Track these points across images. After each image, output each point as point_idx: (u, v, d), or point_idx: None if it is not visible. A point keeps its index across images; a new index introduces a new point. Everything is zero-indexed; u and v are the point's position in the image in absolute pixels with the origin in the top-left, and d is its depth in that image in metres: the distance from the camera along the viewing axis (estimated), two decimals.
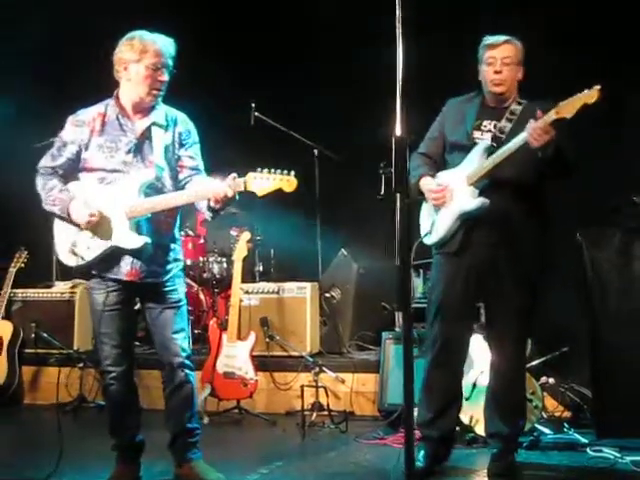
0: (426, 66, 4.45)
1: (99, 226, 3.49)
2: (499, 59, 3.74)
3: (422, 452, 3.84)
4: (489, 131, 3.80)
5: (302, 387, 4.99)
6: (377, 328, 5.53)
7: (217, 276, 6.36)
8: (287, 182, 3.38)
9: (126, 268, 3.54)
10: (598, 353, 4.32)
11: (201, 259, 6.48)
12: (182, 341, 3.68)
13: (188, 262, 6.42)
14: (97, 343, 3.66)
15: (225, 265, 6.36)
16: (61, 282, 6.32)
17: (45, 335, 5.87)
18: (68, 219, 3.52)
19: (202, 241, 6.63)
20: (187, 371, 3.69)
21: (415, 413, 3.85)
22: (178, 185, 3.66)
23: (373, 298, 5.95)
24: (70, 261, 3.59)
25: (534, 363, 4.71)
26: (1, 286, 5.93)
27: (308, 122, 6.38)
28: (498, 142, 3.71)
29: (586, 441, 4.27)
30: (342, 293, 5.87)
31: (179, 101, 6.36)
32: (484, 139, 3.78)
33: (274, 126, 6.30)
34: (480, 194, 3.72)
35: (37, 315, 6.04)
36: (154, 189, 3.56)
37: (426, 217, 3.96)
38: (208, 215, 3.58)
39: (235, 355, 5.15)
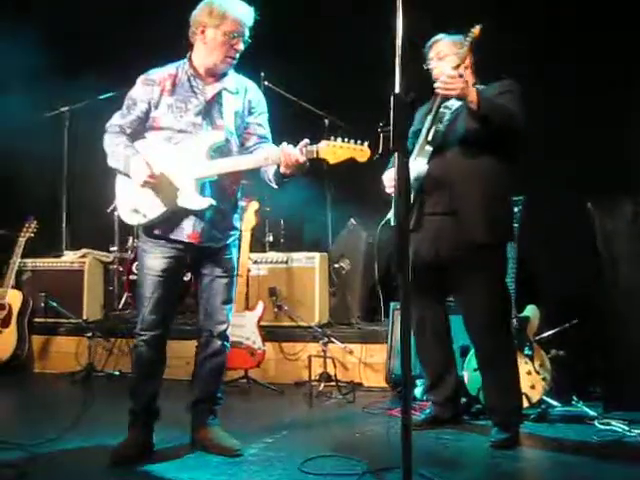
0: None
1: (161, 187, 3.47)
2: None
3: (428, 410, 4.17)
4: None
5: (309, 357, 4.97)
6: (386, 298, 5.47)
7: None
8: (360, 152, 3.34)
9: (188, 229, 3.51)
10: (609, 324, 4.28)
11: None
12: (228, 311, 3.71)
13: None
14: (137, 303, 3.66)
15: None
16: (70, 252, 6.32)
17: (54, 305, 5.87)
18: (128, 175, 3.50)
19: None
20: (225, 342, 3.75)
21: None
22: (245, 152, 3.63)
23: (382, 268, 5.89)
24: (132, 219, 3.57)
25: (544, 335, 4.65)
26: (11, 255, 5.93)
27: (317, 92, 6.31)
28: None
29: (594, 414, 4.24)
30: (351, 263, 5.82)
31: None
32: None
33: (283, 96, 6.23)
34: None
35: (46, 285, 6.04)
36: (221, 153, 3.52)
37: None
38: (275, 182, 3.56)
39: (243, 324, 5.12)
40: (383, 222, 4.12)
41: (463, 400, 4.35)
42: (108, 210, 6.34)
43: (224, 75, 3.61)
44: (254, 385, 5.17)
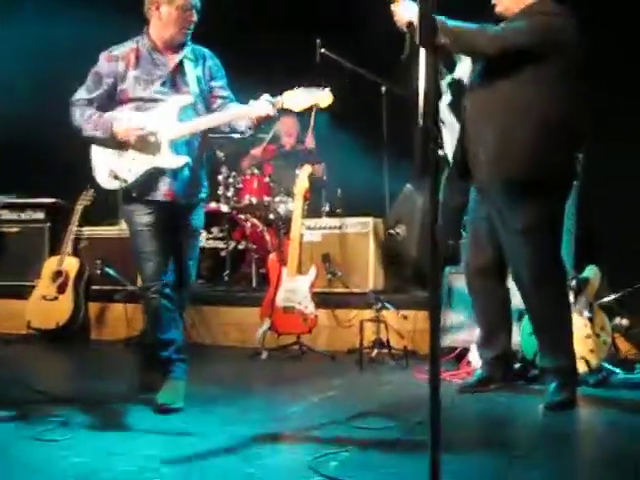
0: None
1: (146, 144, 3.61)
2: None
3: (479, 372, 4.03)
4: None
5: (361, 322, 4.86)
6: (443, 265, 5.31)
7: (283, 216, 6.27)
8: (322, 97, 3.55)
9: (164, 188, 3.66)
10: None
11: (266, 199, 6.38)
12: (193, 267, 3.88)
13: (253, 201, 6.37)
14: (138, 263, 3.72)
15: (291, 205, 6.25)
16: None
17: (111, 272, 5.90)
18: (112, 141, 3.62)
19: (267, 180, 6.53)
20: (186, 295, 3.92)
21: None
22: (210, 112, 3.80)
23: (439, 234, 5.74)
24: (112, 185, 3.71)
25: (604, 300, 4.44)
26: (68, 224, 5.98)
27: (374, 59, 6.18)
28: None
29: None
30: (407, 229, 5.68)
31: (244, 38, 6.31)
32: None
33: (340, 63, 6.12)
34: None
35: (103, 252, 6.07)
36: (189, 115, 3.68)
37: None
38: (247, 133, 3.77)
39: (295, 289, 5.05)
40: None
41: (518, 365, 4.20)
42: None
43: (182, 46, 3.74)
44: (306, 351, 5.09)
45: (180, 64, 3.72)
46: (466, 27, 3.55)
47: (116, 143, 3.62)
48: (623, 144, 4.98)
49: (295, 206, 5.26)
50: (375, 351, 4.90)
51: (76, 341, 5.72)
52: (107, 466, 2.75)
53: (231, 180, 6.46)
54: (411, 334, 5.16)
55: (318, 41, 6.12)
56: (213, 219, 6.26)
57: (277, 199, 6.32)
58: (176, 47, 3.74)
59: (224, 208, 6.31)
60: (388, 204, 6.01)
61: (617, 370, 4.22)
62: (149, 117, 3.63)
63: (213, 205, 6.41)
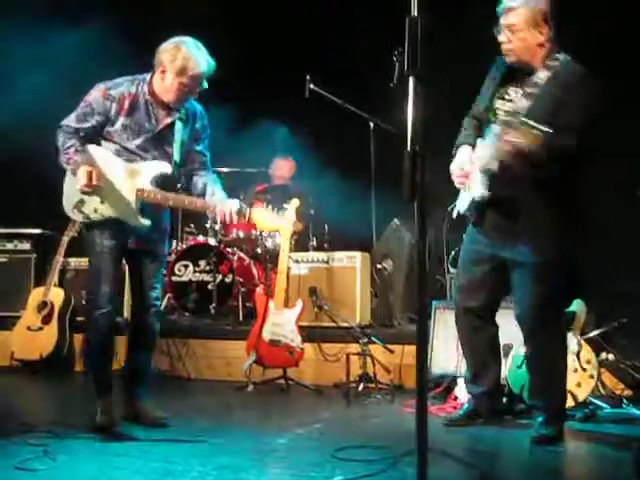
0: None
1: (105, 195, 3.69)
2: (504, 27, 3.56)
3: (466, 406, 4.01)
4: (511, 100, 3.60)
5: (348, 356, 4.84)
6: (429, 300, 5.32)
7: (270, 250, 6.27)
8: (285, 225, 3.97)
9: (131, 238, 3.80)
10: None
11: (254, 232, 6.39)
12: (158, 291, 3.94)
13: (241, 234, 6.38)
14: (92, 284, 3.77)
15: (278, 240, 6.25)
16: None
17: None
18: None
19: None
20: (156, 318, 3.96)
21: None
22: (185, 175, 3.94)
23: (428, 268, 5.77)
24: (74, 216, 3.82)
25: (590, 335, 4.46)
26: (54, 255, 5.94)
27: (362, 95, 6.25)
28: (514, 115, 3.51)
29: None
30: (394, 264, 5.69)
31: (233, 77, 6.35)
32: (505, 109, 3.60)
33: (329, 99, 6.18)
34: (490, 180, 3.55)
35: None
36: (165, 181, 3.76)
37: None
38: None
39: (282, 323, 5.03)
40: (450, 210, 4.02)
41: (505, 400, 4.19)
42: None
43: (180, 107, 3.81)
44: (293, 385, 5.06)
45: (172, 124, 3.78)
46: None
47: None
48: (608, 179, 5.03)
49: (283, 239, 5.24)
50: (362, 385, 4.87)
51: (60, 372, 5.64)
52: None
53: None
54: (398, 368, 5.14)
55: (308, 77, 6.17)
56: (201, 252, 6.27)
57: (265, 233, 6.32)
58: (173, 107, 3.79)
59: (212, 241, 6.32)
60: (375, 239, 6.01)
61: (604, 405, 4.22)
62: (125, 170, 3.70)
63: (201, 239, 6.42)
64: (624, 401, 4.32)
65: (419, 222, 2.04)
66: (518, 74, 3.62)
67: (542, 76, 3.52)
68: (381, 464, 3.13)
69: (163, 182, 3.74)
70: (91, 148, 3.71)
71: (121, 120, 3.70)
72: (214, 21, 6.55)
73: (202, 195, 3.83)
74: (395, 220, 5.80)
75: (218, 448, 3.44)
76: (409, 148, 1.98)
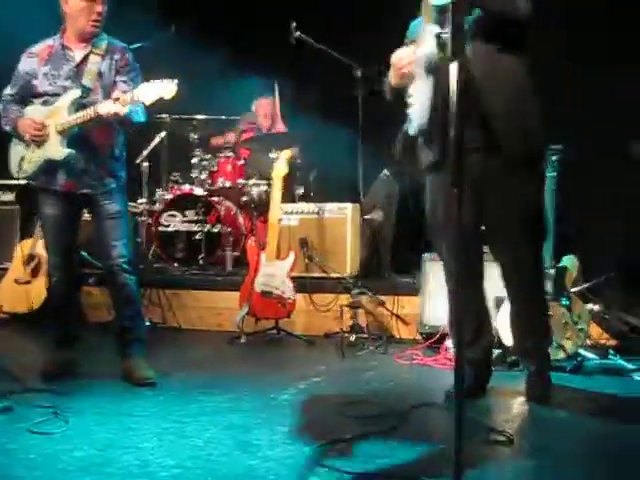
0: None
1: (42, 138, 3.87)
2: None
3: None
4: None
5: (341, 307, 4.92)
6: (419, 249, 5.36)
7: (256, 199, 6.29)
8: (166, 90, 3.70)
9: (61, 179, 3.90)
10: None
11: (240, 181, 6.40)
12: (121, 247, 3.96)
13: (227, 184, 6.39)
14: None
15: (265, 188, 6.27)
16: None
17: (84, 255, 5.84)
18: (19, 136, 3.94)
19: (241, 162, 6.53)
20: (126, 275, 3.98)
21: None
22: None
23: (414, 220, 5.80)
24: (19, 175, 4.00)
25: (578, 288, 4.55)
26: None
27: (347, 41, 6.18)
28: None
29: (633, 367, 4.17)
30: (384, 215, 5.73)
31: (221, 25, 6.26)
32: None
33: (315, 46, 6.11)
34: None
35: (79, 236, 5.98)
36: (84, 105, 3.83)
37: None
38: (134, 124, 3.92)
39: (273, 274, 5.08)
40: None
41: (497, 351, 4.28)
42: (137, 162, 6.32)
43: (94, 38, 3.94)
44: (284, 336, 5.14)
45: (86, 57, 3.92)
46: None
47: (21, 137, 3.93)
48: (598, 136, 5.09)
49: (274, 190, 5.25)
50: (354, 336, 4.96)
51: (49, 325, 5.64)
52: (110, 460, 2.76)
53: (205, 163, 6.47)
54: (387, 319, 5.24)
55: (293, 24, 6.09)
56: (187, 202, 6.26)
57: (251, 182, 6.33)
58: (88, 40, 3.93)
59: (198, 191, 6.31)
60: (362, 189, 6.02)
61: (592, 356, 4.34)
62: (46, 111, 3.88)
63: (186, 187, 6.40)
64: (610, 351, 4.45)
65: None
66: None
67: None
68: (391, 419, 3.20)
69: (82, 108, 3.83)
70: (27, 108, 3.95)
71: (42, 70, 3.92)
72: None
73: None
74: (385, 171, 5.80)
75: (225, 406, 3.50)
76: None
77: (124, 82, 3.93)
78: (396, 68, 3.43)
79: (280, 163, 5.29)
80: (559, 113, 4.14)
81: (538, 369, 3.71)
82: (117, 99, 3.70)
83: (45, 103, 3.92)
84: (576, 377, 4.10)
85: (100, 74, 3.92)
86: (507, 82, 3.39)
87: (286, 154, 5.34)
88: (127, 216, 4.12)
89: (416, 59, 3.35)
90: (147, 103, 3.74)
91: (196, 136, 6.53)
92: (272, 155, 5.84)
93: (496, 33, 3.33)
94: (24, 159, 3.95)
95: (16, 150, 4.01)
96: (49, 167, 3.89)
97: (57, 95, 3.89)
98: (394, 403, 3.49)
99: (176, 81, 3.72)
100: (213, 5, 7.16)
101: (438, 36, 3.20)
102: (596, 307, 4.70)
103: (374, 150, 6.01)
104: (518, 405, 3.63)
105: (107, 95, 3.85)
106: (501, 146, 3.35)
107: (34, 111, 3.92)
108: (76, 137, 3.86)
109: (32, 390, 3.64)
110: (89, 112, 3.77)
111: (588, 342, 4.52)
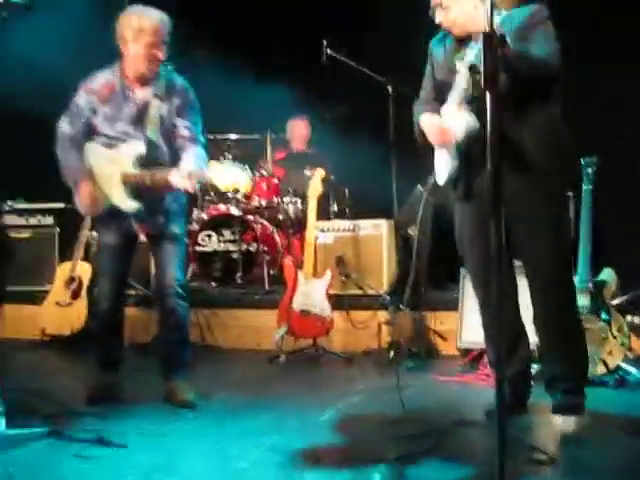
0: None
1: (99, 188, 3.83)
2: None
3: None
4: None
5: (379, 325, 4.93)
6: (457, 265, 5.33)
7: (292, 217, 6.34)
8: (242, 181, 3.76)
9: (128, 223, 3.90)
10: None
11: (275, 200, 6.45)
12: (176, 271, 3.97)
13: (263, 203, 6.44)
14: (98, 279, 4.18)
15: (300, 206, 6.32)
16: None
17: None
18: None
19: (276, 181, 6.57)
20: (178, 300, 3.98)
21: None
22: (173, 151, 3.88)
23: (451, 234, 5.77)
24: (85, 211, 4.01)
25: (617, 301, 4.50)
26: (81, 229, 5.96)
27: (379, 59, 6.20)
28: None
29: None
30: (420, 230, 5.70)
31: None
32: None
33: (347, 64, 6.14)
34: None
35: None
36: (146, 159, 3.79)
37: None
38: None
39: (311, 293, 5.10)
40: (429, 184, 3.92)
41: (537, 366, 4.21)
42: None
43: (154, 78, 3.85)
44: (323, 353, 5.15)
45: (147, 102, 3.83)
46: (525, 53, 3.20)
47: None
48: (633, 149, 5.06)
49: (309, 209, 5.28)
50: (392, 353, 4.96)
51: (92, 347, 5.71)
52: None
53: None
54: (426, 335, 5.23)
55: (324, 42, 6.12)
56: (224, 222, 6.31)
57: (286, 200, 6.37)
58: (148, 80, 3.84)
59: (234, 210, 6.35)
60: (396, 205, 6.01)
61: (633, 370, 4.29)
62: (110, 158, 3.80)
63: (222, 207, 6.46)
64: None
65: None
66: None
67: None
68: (431, 438, 3.21)
69: (145, 162, 3.78)
70: (86, 148, 3.85)
71: (102, 109, 3.82)
72: None
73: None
74: (419, 186, 5.80)
75: (267, 427, 3.52)
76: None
77: (185, 127, 3.86)
78: (429, 135, 3.47)
79: (315, 182, 5.32)
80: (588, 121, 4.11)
81: (571, 389, 3.50)
82: (190, 174, 3.57)
83: (107, 145, 3.83)
84: (619, 392, 4.06)
85: (161, 119, 3.84)
86: (537, 116, 3.36)
87: (320, 173, 5.36)
88: (185, 240, 4.13)
89: (451, 134, 3.37)
90: (221, 188, 3.78)
91: (230, 157, 6.58)
92: (307, 172, 5.88)
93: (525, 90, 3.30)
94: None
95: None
96: (113, 210, 3.83)
97: (118, 139, 3.81)
98: (434, 421, 3.49)
99: (247, 168, 3.65)
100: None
101: (471, 68, 3.20)
102: (636, 319, 4.65)
103: (408, 165, 6.02)
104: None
105: (167, 139, 3.84)
106: (532, 175, 3.35)
107: (96, 156, 3.83)
108: (142, 187, 3.80)
109: (77, 413, 3.69)
110: (158, 176, 3.69)
111: (630, 355, 4.48)
